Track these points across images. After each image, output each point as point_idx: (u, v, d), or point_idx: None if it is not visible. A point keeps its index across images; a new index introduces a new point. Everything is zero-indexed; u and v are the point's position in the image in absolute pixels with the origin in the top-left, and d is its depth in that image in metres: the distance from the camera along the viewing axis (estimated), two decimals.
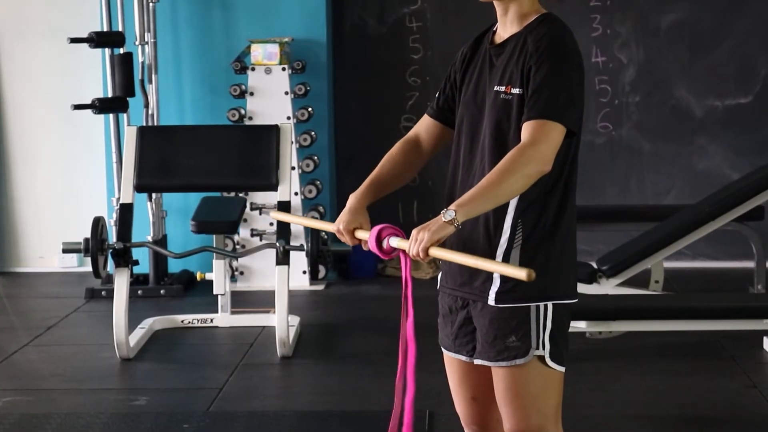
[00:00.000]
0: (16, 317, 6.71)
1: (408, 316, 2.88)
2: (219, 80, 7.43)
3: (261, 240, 7.15)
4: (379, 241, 2.87)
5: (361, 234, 2.95)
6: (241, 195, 6.91)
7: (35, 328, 6.36)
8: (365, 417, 4.87)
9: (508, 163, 2.78)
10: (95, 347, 5.97)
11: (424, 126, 3.12)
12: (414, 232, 2.77)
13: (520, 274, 2.59)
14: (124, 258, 5.77)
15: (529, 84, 2.85)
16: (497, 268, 2.74)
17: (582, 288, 5.61)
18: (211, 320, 6.34)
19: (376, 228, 2.90)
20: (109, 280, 6.97)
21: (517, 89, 2.88)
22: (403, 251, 2.82)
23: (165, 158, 6.01)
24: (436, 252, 2.74)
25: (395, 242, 2.85)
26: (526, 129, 2.82)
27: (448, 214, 2.74)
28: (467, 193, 2.79)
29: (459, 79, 3.04)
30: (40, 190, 7.87)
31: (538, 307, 2.92)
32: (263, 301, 6.71)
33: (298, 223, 3.29)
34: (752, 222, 6.41)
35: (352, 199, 3.00)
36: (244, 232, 7.23)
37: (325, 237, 6.12)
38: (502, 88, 2.91)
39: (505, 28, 2.97)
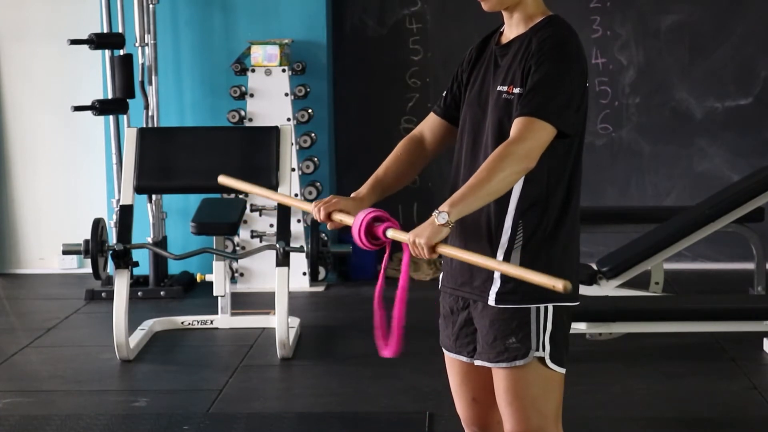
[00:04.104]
0: (17, 319, 6.71)
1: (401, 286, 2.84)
2: (219, 82, 7.43)
3: (261, 241, 7.15)
4: (369, 230, 2.85)
5: (341, 217, 2.93)
6: (241, 196, 6.91)
7: (35, 330, 6.36)
8: (365, 418, 4.87)
9: (495, 161, 2.78)
10: (95, 349, 5.97)
11: (429, 124, 3.12)
12: (410, 238, 2.76)
13: (557, 284, 2.57)
14: (124, 259, 5.77)
15: (527, 83, 2.86)
16: (530, 276, 2.66)
17: (582, 289, 5.61)
18: (211, 322, 6.34)
19: (365, 214, 2.87)
20: (109, 281, 6.97)
21: (519, 89, 2.88)
22: (393, 242, 2.81)
23: (165, 160, 6.01)
24: (445, 250, 2.75)
25: (392, 234, 2.83)
26: (515, 125, 2.83)
27: (441, 216, 2.74)
28: (458, 192, 2.79)
29: (465, 79, 3.05)
30: (40, 191, 7.88)
31: (538, 308, 2.92)
32: (263, 302, 6.71)
33: (263, 195, 3.25)
34: (752, 223, 6.41)
35: (353, 195, 3.00)
36: (244, 234, 7.23)
37: (326, 238, 6.12)
38: (505, 88, 2.91)
39: (511, 30, 2.98)
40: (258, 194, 3.30)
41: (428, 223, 2.75)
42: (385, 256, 2.85)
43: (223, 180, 3.32)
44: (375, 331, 2.89)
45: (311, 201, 7.23)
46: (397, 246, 2.84)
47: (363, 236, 2.86)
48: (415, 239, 2.75)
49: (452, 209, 2.75)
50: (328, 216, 2.95)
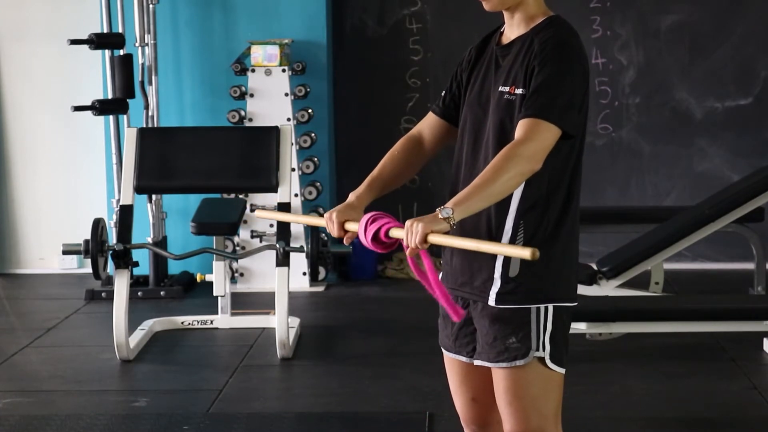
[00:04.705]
0: (17, 319, 6.71)
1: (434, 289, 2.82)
2: (219, 82, 7.43)
3: (261, 241, 7.15)
4: (375, 232, 2.85)
5: (351, 226, 2.93)
6: (241, 196, 6.92)
7: (35, 330, 6.36)
8: (365, 418, 4.87)
9: (501, 161, 2.78)
10: (95, 349, 5.97)
11: (428, 124, 3.12)
12: (408, 223, 2.75)
13: (524, 253, 2.59)
14: (124, 259, 5.77)
15: (530, 84, 2.85)
16: (500, 249, 2.73)
17: (582, 289, 5.61)
18: (211, 322, 6.34)
19: (367, 217, 2.86)
20: (109, 281, 6.97)
21: (521, 90, 2.88)
22: (401, 241, 2.80)
23: (165, 160, 6.01)
24: (435, 238, 2.72)
25: (395, 233, 2.82)
26: (520, 127, 2.83)
27: (444, 211, 2.73)
28: (462, 191, 2.79)
29: (465, 79, 3.04)
30: (40, 191, 7.88)
31: (538, 309, 2.92)
32: (263, 302, 6.71)
33: (289, 220, 3.25)
34: (752, 223, 6.41)
35: (351, 196, 3.00)
36: (244, 234, 7.23)
37: (326, 238, 6.12)
38: (507, 89, 2.91)
39: (512, 30, 2.98)
40: (292, 221, 3.28)
41: (431, 214, 2.75)
42: (407, 254, 2.81)
43: (260, 213, 3.31)
44: (440, 301, 2.83)
45: (311, 201, 7.27)
46: (400, 246, 2.84)
47: (373, 247, 2.86)
48: (413, 223, 2.73)
49: (456, 207, 2.74)
50: (342, 229, 2.93)
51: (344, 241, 2.97)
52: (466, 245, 2.73)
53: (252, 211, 7.18)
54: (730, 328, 5.57)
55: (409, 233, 2.73)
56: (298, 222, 3.38)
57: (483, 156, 2.93)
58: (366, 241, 2.85)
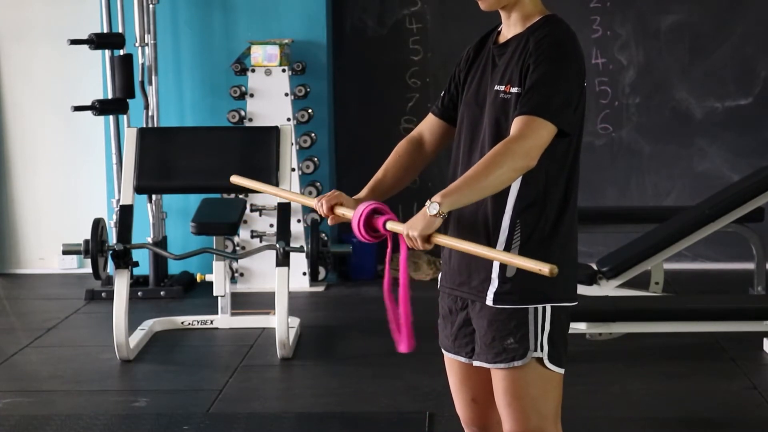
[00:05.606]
0: (17, 319, 6.71)
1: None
2: (219, 82, 7.43)
3: (261, 241, 7.15)
4: (368, 221, 2.85)
5: (343, 211, 2.93)
6: (241, 196, 6.92)
7: (35, 330, 6.36)
8: (365, 418, 4.87)
9: (494, 156, 2.78)
10: (95, 349, 5.98)
11: (428, 125, 3.13)
12: (404, 232, 2.77)
13: (543, 269, 2.58)
14: (124, 259, 5.77)
15: (526, 82, 2.86)
16: (517, 261, 2.69)
17: (582, 289, 5.61)
18: (211, 322, 6.34)
19: (365, 206, 2.87)
20: (109, 281, 6.97)
21: (516, 88, 2.88)
22: (393, 234, 2.81)
23: (165, 160, 6.01)
24: (442, 240, 2.75)
25: (393, 226, 2.83)
26: (516, 124, 2.83)
27: (432, 207, 2.74)
28: (453, 183, 2.80)
29: (462, 79, 3.05)
30: (40, 191, 7.88)
31: (536, 309, 2.91)
32: (263, 302, 6.71)
33: (272, 193, 3.25)
34: (752, 223, 6.41)
35: (354, 198, 3.00)
36: (244, 234, 7.23)
37: (326, 239, 6.12)
38: (502, 87, 2.91)
39: (509, 29, 2.98)
40: (267, 192, 3.31)
41: (420, 214, 2.75)
42: (388, 250, 2.84)
43: (236, 180, 3.33)
44: (390, 327, 2.87)
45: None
46: (396, 246, 2.84)
47: (362, 228, 2.86)
48: (408, 232, 2.75)
49: (444, 200, 2.75)
50: (331, 209, 2.95)
51: (328, 221, 2.98)
52: (473, 251, 2.74)
53: (252, 210, 7.19)
54: (730, 328, 5.57)
55: (408, 242, 2.75)
56: (284, 197, 3.37)
57: (479, 155, 2.93)
58: (358, 220, 2.85)
